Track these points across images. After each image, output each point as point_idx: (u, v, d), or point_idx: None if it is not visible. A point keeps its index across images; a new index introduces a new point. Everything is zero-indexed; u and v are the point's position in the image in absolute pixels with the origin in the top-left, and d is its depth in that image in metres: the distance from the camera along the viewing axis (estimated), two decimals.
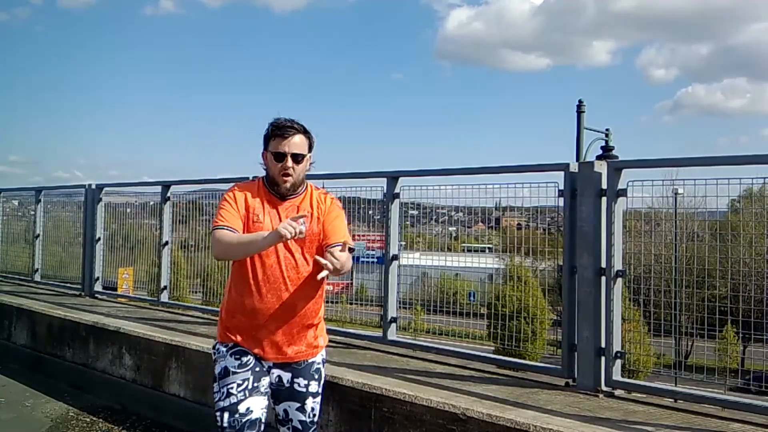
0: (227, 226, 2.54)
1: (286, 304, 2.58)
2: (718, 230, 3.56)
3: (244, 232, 2.56)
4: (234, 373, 2.56)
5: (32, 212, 8.26)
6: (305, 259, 2.62)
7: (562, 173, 3.62)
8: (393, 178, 4.43)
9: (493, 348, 4.52)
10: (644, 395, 3.34)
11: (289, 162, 2.56)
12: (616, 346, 3.38)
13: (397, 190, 4.43)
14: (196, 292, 6.68)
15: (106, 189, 7.15)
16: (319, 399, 2.72)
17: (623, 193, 3.42)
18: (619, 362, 3.39)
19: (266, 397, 2.61)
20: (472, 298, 5.02)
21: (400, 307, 4.49)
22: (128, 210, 7.37)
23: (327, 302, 5.74)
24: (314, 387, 2.68)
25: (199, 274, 6.48)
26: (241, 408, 2.52)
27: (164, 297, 6.24)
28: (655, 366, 3.83)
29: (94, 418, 4.84)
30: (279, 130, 2.59)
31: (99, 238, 7.04)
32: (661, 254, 3.70)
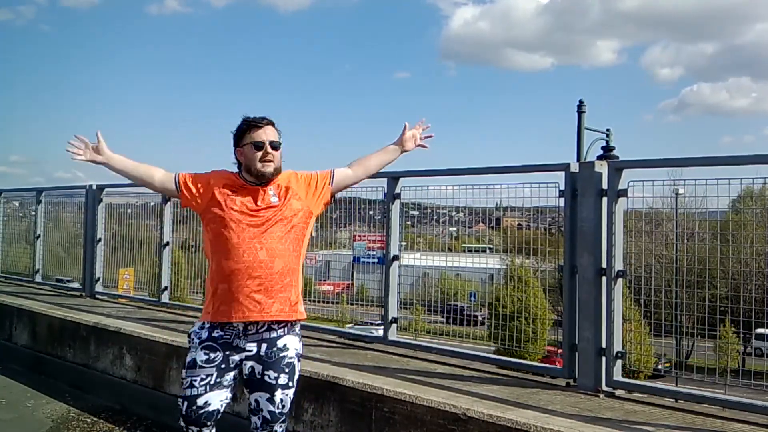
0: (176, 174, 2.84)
1: (264, 262, 2.68)
2: (719, 230, 3.55)
3: (224, 201, 2.73)
4: (200, 366, 2.69)
5: (33, 213, 8.26)
6: (287, 235, 2.74)
7: (563, 173, 3.62)
8: (393, 178, 4.43)
9: (493, 348, 4.52)
10: (645, 395, 3.34)
11: (269, 148, 2.74)
12: (617, 347, 3.38)
13: (397, 191, 4.43)
14: (196, 293, 6.68)
15: (107, 190, 7.15)
16: (289, 392, 2.76)
17: (624, 193, 3.42)
18: (619, 362, 3.38)
19: (228, 389, 2.74)
20: (472, 299, 5.02)
21: (400, 307, 4.49)
22: (129, 211, 7.38)
23: (327, 302, 5.80)
24: (283, 380, 2.73)
25: (200, 275, 6.49)
26: (200, 401, 2.67)
27: (165, 297, 6.24)
28: (655, 366, 3.83)
29: (95, 419, 4.84)
30: (254, 122, 2.78)
31: (100, 239, 7.05)
32: (661, 254, 3.70)
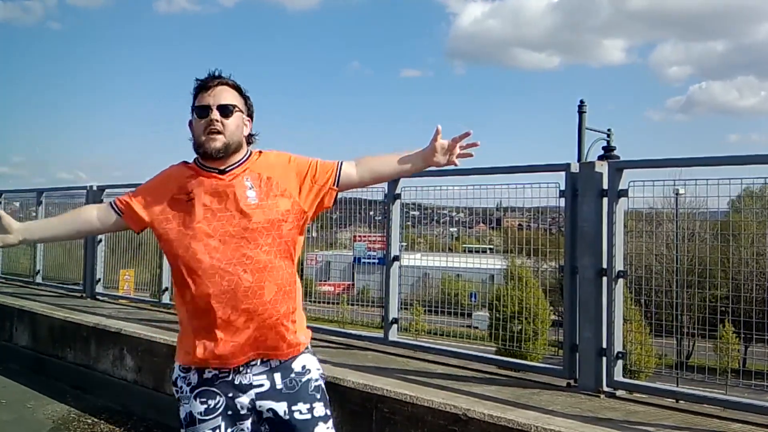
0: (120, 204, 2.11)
1: (250, 289, 1.98)
2: (719, 230, 3.56)
3: (181, 214, 2.03)
4: (201, 420, 2.05)
5: (33, 214, 8.27)
6: (272, 242, 2.02)
7: (564, 173, 3.62)
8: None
9: (494, 349, 4.52)
10: (646, 396, 3.34)
11: (216, 114, 1.99)
12: (618, 347, 3.38)
13: (398, 191, 4.43)
14: None
15: (107, 190, 7.15)
16: (331, 423, 2.10)
17: (624, 193, 3.42)
18: (620, 363, 3.38)
19: None
20: (473, 299, 5.02)
21: (401, 308, 4.49)
22: None
23: (328, 303, 5.80)
24: (320, 410, 2.08)
25: None
26: None
27: (165, 298, 6.25)
28: (656, 366, 3.83)
29: (96, 420, 4.84)
30: (202, 83, 2.06)
31: (100, 240, 7.05)
32: (662, 254, 3.70)
